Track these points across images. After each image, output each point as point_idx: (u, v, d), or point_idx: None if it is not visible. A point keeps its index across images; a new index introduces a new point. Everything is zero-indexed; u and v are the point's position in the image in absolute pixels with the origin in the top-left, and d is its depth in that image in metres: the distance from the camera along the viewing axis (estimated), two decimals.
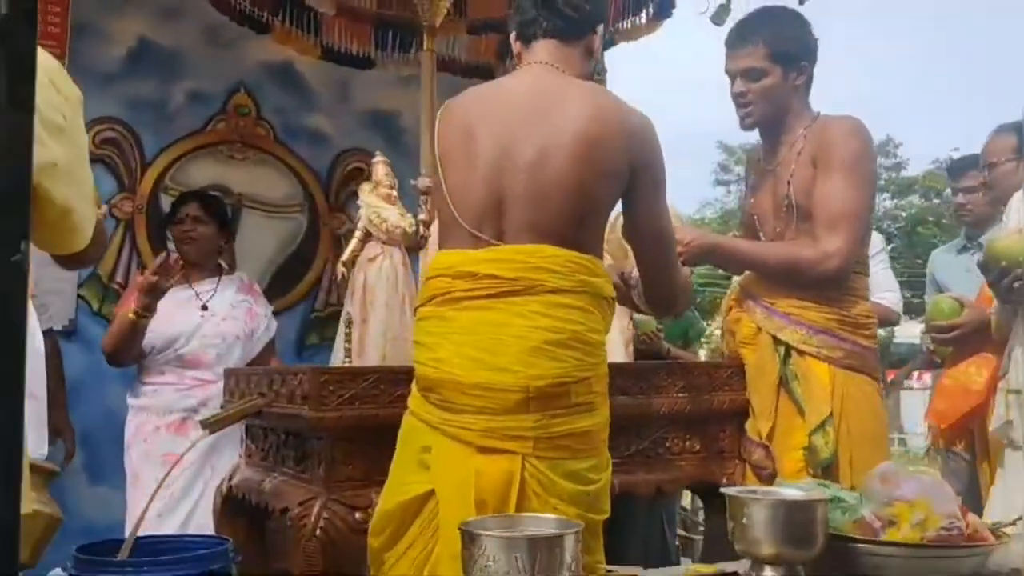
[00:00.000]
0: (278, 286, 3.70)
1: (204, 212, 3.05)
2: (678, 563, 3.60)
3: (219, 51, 3.62)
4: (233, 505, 2.29)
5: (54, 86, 1.26)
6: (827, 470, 2.04)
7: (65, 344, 3.19)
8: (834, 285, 2.16)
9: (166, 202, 3.49)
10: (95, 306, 3.40)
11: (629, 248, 1.89)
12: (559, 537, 1.16)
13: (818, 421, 2.08)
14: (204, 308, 2.95)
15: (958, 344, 2.62)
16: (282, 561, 2.94)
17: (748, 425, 2.22)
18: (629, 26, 3.16)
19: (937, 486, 1.44)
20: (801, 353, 2.15)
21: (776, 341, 2.17)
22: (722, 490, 1.41)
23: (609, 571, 1.36)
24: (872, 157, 2.24)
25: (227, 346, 2.92)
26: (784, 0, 2.86)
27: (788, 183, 2.20)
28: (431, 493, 1.58)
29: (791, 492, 1.43)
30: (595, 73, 4.66)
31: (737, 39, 2.25)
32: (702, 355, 3.30)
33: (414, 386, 1.66)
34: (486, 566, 1.14)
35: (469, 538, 1.17)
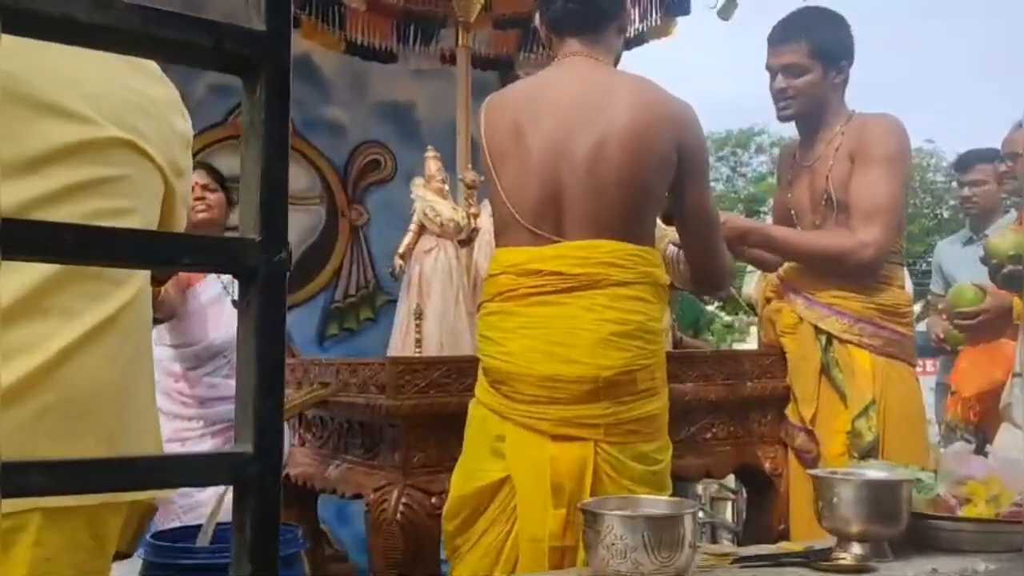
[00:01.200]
0: (297, 277, 3.73)
1: (212, 179, 2.89)
2: None
3: None
4: (287, 493, 2.34)
5: (183, 121, 1.27)
6: (870, 453, 2.13)
7: None
8: (869, 273, 2.24)
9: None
10: None
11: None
12: (680, 517, 1.23)
13: (861, 407, 2.17)
14: (235, 304, 2.83)
15: (979, 331, 2.73)
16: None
17: (790, 411, 2.31)
18: (655, 23, 3.22)
19: (1007, 464, 1.53)
20: (842, 342, 2.23)
21: (817, 330, 2.26)
22: (809, 472, 1.49)
23: (703, 549, 1.42)
24: (908, 154, 2.33)
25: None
26: None
27: (827, 178, 2.28)
28: (506, 479, 1.65)
29: (877, 473, 1.50)
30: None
31: (780, 36, 2.32)
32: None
33: (481, 376, 1.72)
34: (613, 544, 1.21)
35: (593, 517, 1.24)
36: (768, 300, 2.44)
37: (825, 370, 2.25)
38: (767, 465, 2.28)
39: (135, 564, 1.81)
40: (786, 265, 2.40)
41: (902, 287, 2.33)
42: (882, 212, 2.21)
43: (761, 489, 2.35)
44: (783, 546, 1.48)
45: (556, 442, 1.61)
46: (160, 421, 2.77)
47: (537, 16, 1.87)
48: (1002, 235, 2.45)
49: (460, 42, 2.82)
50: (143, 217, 1.13)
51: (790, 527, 2.24)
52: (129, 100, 1.14)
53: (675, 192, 1.81)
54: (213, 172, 2.99)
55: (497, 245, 1.82)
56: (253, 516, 0.75)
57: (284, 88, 0.78)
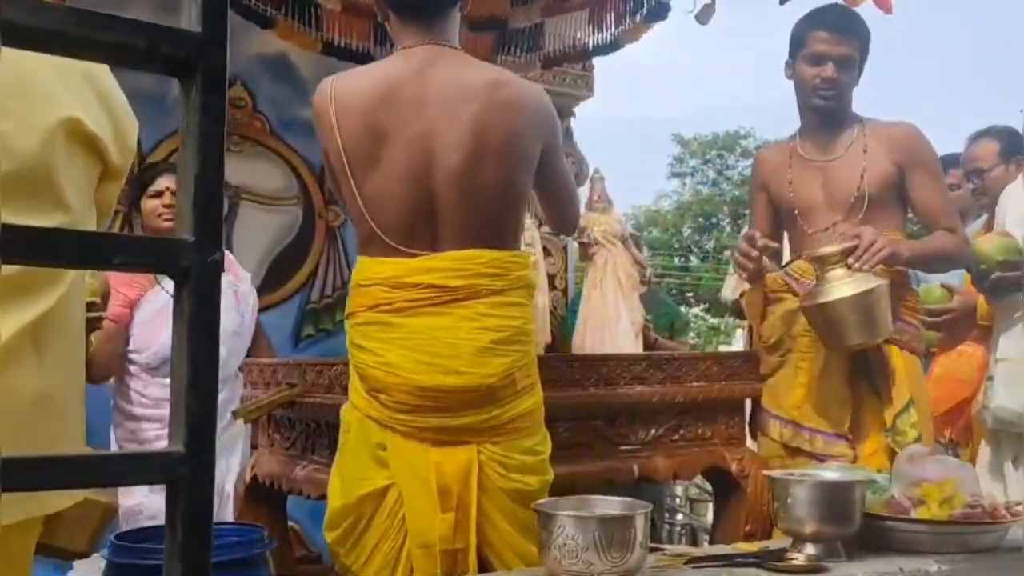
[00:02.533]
0: (274, 278, 3.73)
1: None
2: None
3: None
4: (256, 493, 2.34)
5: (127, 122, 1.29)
6: None
7: None
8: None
9: None
10: None
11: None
12: (632, 517, 1.24)
13: (902, 404, 2.14)
14: None
15: (947, 329, 2.78)
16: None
17: (798, 415, 2.24)
18: (630, 27, 3.24)
19: (961, 467, 1.56)
20: None
21: None
22: (766, 473, 1.50)
23: (660, 549, 1.44)
24: None
25: (227, 349, 2.71)
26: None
27: (861, 177, 2.27)
28: (389, 487, 1.63)
29: (831, 474, 1.52)
30: (584, 68, 4.72)
31: (840, 25, 2.30)
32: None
33: (357, 383, 1.68)
34: (564, 544, 1.22)
35: (546, 517, 1.25)
36: (767, 300, 2.38)
37: (857, 369, 2.23)
38: (734, 467, 2.29)
39: (98, 564, 1.82)
40: (796, 264, 2.35)
41: (910, 282, 2.40)
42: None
43: (728, 491, 2.36)
44: (738, 546, 1.50)
45: (439, 447, 1.61)
46: (118, 421, 2.79)
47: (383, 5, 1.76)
48: (989, 240, 2.51)
49: None
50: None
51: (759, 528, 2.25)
52: None
53: (541, 171, 1.76)
54: None
55: (361, 253, 1.74)
56: (184, 516, 0.76)
57: (220, 90, 0.79)
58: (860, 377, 2.23)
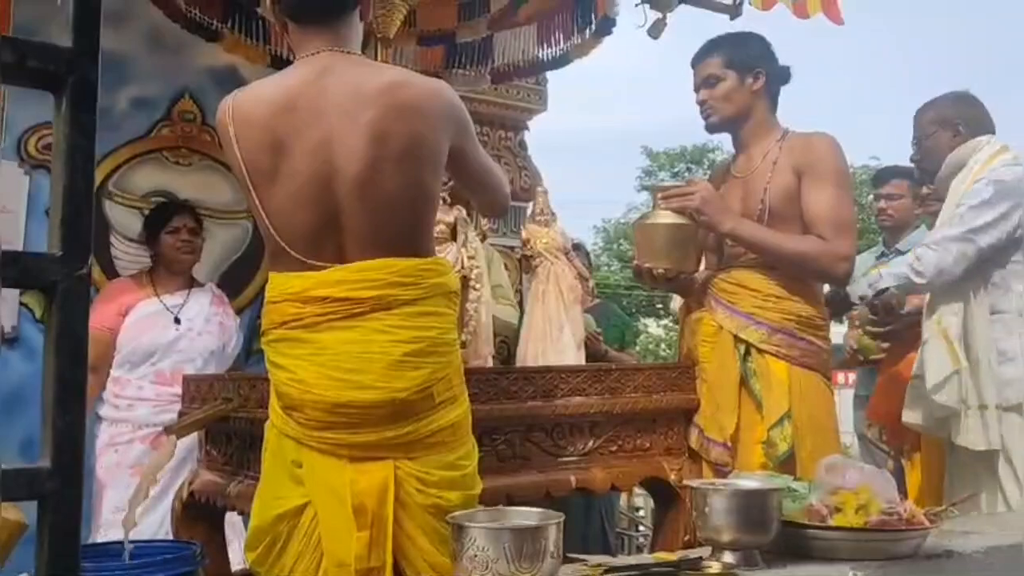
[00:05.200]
0: (224, 292, 3.69)
1: (197, 223, 3.19)
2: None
3: (164, 56, 3.61)
4: (193, 510, 2.32)
5: None
6: (786, 463, 2.15)
7: (8, 352, 3.16)
8: (843, 284, 2.37)
9: (110, 209, 3.48)
10: (38, 313, 3.35)
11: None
12: (543, 527, 1.25)
13: (777, 417, 2.20)
14: (177, 321, 2.98)
15: (891, 340, 2.82)
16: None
17: (703, 422, 2.31)
18: (579, 42, 3.27)
19: (878, 475, 1.58)
20: (760, 352, 2.27)
21: (737, 340, 2.29)
22: (686, 482, 1.52)
23: (580, 559, 1.44)
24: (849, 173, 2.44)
25: (204, 361, 2.97)
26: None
27: (765, 189, 2.33)
28: (306, 506, 1.60)
29: (747, 483, 1.54)
30: (537, 83, 4.75)
31: (699, 56, 2.46)
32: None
33: (275, 400, 1.66)
34: (475, 555, 1.22)
35: (458, 529, 1.25)
36: (689, 310, 2.48)
37: (743, 380, 2.28)
38: (673, 477, 2.31)
39: None
40: (708, 276, 2.43)
41: (821, 301, 2.39)
42: (850, 227, 2.30)
43: (668, 501, 2.37)
44: (657, 556, 1.51)
45: (354, 464, 1.57)
46: (102, 428, 2.93)
47: (268, 0, 1.74)
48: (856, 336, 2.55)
49: (380, 58, 2.82)
50: None
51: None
52: None
53: (458, 165, 1.75)
54: (199, 217, 3.26)
55: (271, 269, 1.72)
56: (52, 532, 0.75)
57: (90, 103, 0.79)
58: (746, 389, 2.27)
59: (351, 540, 1.52)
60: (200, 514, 2.31)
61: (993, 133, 2.60)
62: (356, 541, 1.52)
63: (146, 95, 3.61)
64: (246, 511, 2.03)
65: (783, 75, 2.46)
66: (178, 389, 2.82)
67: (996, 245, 2.41)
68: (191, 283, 3.14)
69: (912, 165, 2.87)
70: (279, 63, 3.41)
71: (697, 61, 2.46)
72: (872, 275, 2.60)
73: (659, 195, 2.36)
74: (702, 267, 2.51)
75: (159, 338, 2.95)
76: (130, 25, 3.52)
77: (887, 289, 2.45)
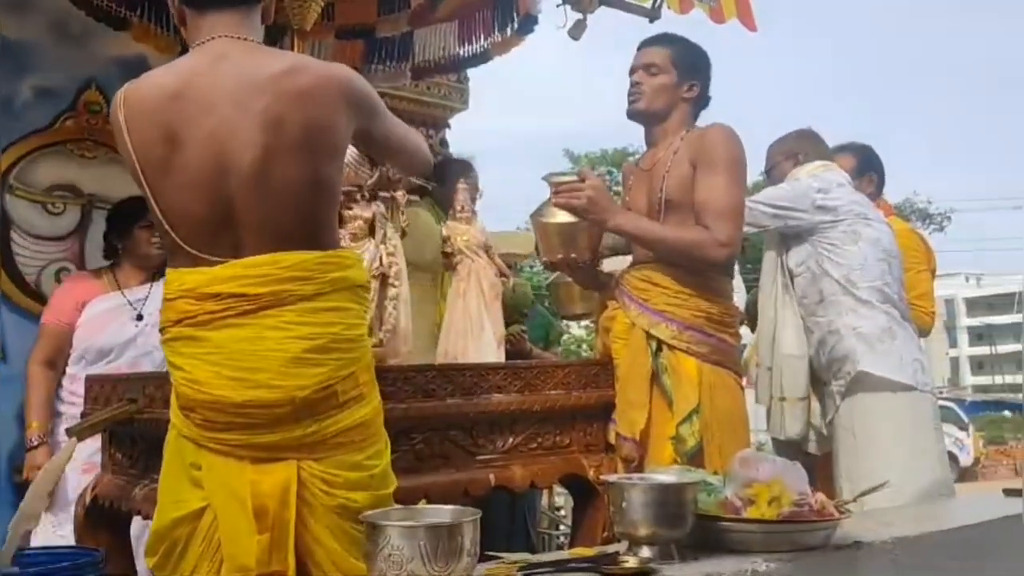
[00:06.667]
0: None
1: None
2: None
3: (69, 45, 3.46)
4: (96, 514, 2.22)
5: None
6: (695, 458, 2.16)
7: None
8: (723, 270, 2.36)
9: (11, 203, 3.32)
10: None
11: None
12: (459, 525, 1.22)
13: (686, 412, 2.21)
14: (139, 318, 2.88)
15: None
16: None
17: (618, 419, 2.33)
18: (500, 39, 3.26)
19: (790, 467, 1.60)
20: (672, 348, 2.28)
21: (648, 336, 2.30)
22: (602, 478, 1.52)
23: (498, 557, 1.43)
24: (746, 161, 2.40)
25: (163, 357, 2.82)
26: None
27: (663, 179, 2.36)
28: (205, 509, 1.55)
29: (664, 478, 1.55)
30: (459, 81, 4.74)
31: (649, 41, 2.50)
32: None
33: (174, 401, 1.60)
34: (391, 555, 1.19)
35: (372, 529, 1.22)
36: (604, 307, 2.49)
37: (655, 376, 2.29)
38: (592, 473, 2.31)
39: None
40: (621, 272, 2.45)
41: (731, 298, 2.42)
42: (733, 214, 2.30)
43: (587, 498, 2.37)
44: (574, 552, 1.50)
45: (255, 465, 1.51)
46: (58, 423, 2.82)
47: None
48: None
49: (296, 49, 2.76)
50: None
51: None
52: None
53: (373, 140, 1.74)
54: None
55: (168, 265, 1.66)
56: None
57: None
58: (658, 385, 2.29)
59: (252, 544, 1.46)
60: (103, 520, 2.22)
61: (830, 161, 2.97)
62: (256, 544, 1.46)
63: (50, 85, 3.46)
64: (151, 515, 1.96)
65: (707, 100, 2.51)
66: None
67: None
68: (154, 277, 3.01)
69: None
70: None
71: (646, 45, 2.49)
72: None
73: (551, 189, 2.39)
74: (623, 261, 2.53)
75: (117, 336, 2.87)
76: (34, 12, 3.37)
77: None
